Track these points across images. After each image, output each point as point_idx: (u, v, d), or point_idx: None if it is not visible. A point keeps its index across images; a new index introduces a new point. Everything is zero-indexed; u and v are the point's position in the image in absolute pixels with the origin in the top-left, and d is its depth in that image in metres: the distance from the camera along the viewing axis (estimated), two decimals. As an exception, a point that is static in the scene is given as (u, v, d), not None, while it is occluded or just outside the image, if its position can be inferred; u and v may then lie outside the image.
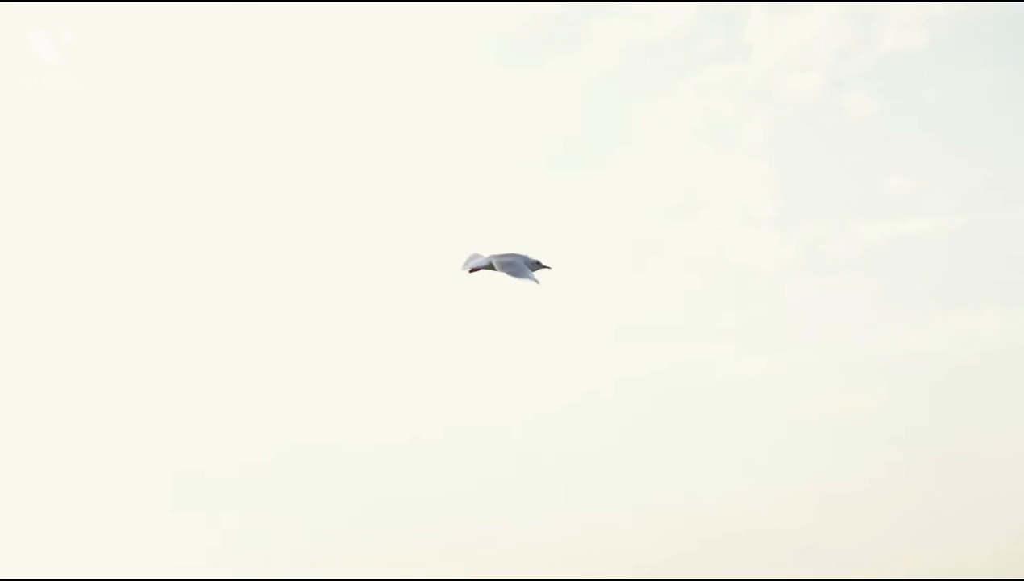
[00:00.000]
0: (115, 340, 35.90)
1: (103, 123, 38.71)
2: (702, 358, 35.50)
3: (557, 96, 39.71)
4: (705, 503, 32.45)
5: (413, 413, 34.35)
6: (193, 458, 33.52)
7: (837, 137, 38.61)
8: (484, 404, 34.55)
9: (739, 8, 38.62)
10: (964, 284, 35.68)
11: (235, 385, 34.92)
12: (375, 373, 35.25)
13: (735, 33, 38.74)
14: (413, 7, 39.05)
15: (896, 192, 37.54)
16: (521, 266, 16.80)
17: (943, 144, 38.02)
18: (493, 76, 39.89)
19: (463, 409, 34.44)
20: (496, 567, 30.55)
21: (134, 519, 32.50)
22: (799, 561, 30.38)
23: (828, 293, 36.26)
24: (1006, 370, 33.87)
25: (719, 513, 32.19)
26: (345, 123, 39.41)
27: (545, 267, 16.97)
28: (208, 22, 38.90)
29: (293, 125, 39.40)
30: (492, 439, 33.91)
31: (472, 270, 17.14)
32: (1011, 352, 34.30)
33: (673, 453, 33.57)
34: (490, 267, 16.92)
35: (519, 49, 39.73)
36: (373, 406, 34.55)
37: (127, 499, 32.87)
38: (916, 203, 37.15)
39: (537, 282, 16.54)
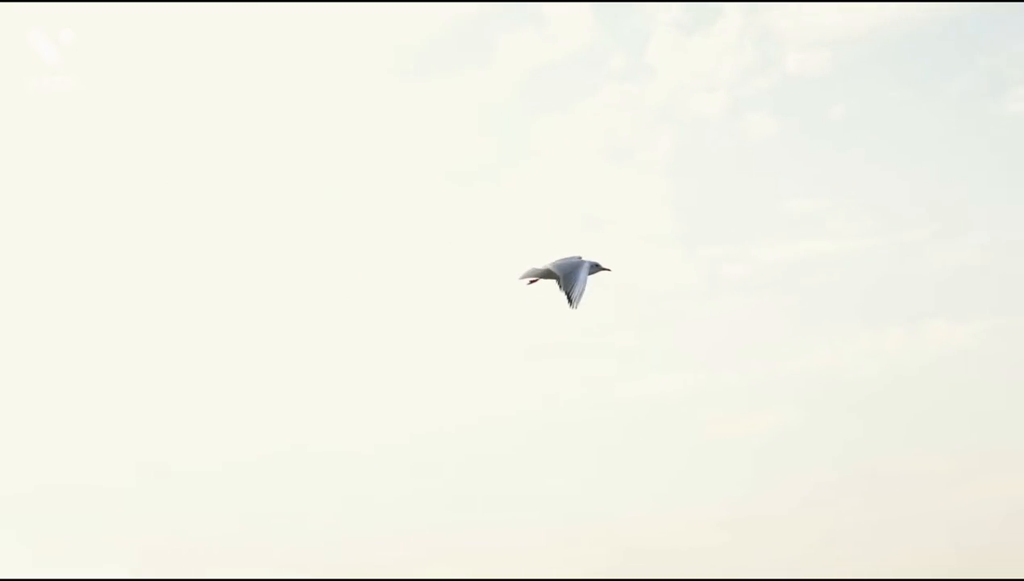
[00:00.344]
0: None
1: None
2: (603, 377, 35.39)
3: (461, 112, 39.54)
4: (611, 522, 32.26)
5: (328, 429, 34.09)
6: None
7: (739, 158, 38.83)
8: (387, 421, 34.31)
9: (643, 28, 38.76)
10: (867, 305, 36.01)
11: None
12: (300, 386, 35.08)
13: (638, 53, 38.83)
14: (317, 19, 38.85)
15: (797, 213, 37.84)
16: (573, 276, 16.39)
17: (845, 166, 38.41)
18: (398, 90, 39.61)
19: (365, 426, 34.16)
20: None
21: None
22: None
23: (729, 313, 36.35)
24: (911, 389, 34.22)
25: (627, 532, 31.97)
26: (263, 133, 39.23)
27: (605, 269, 16.77)
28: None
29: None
30: (390, 457, 33.70)
31: (531, 281, 16.93)
32: (916, 370, 34.66)
33: (578, 472, 33.41)
34: (547, 275, 16.77)
35: (424, 64, 39.54)
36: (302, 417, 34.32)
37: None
38: (817, 224, 37.45)
39: (573, 305, 16.22)
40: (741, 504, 32.48)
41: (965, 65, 38.23)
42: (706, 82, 38.48)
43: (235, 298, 36.68)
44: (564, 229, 38.05)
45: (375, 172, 39.07)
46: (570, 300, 16.28)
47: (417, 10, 38.51)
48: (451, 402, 34.57)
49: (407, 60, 39.37)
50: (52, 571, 29.89)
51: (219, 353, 35.55)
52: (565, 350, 35.79)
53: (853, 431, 33.50)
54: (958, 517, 31.40)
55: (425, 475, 33.21)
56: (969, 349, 34.80)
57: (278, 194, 38.82)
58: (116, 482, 32.76)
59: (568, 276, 16.40)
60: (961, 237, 36.62)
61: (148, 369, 35.22)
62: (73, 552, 30.82)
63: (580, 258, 16.72)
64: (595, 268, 16.70)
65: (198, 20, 38.49)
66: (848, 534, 31.37)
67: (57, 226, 37.66)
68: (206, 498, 32.54)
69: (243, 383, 34.89)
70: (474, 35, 39.31)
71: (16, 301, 35.91)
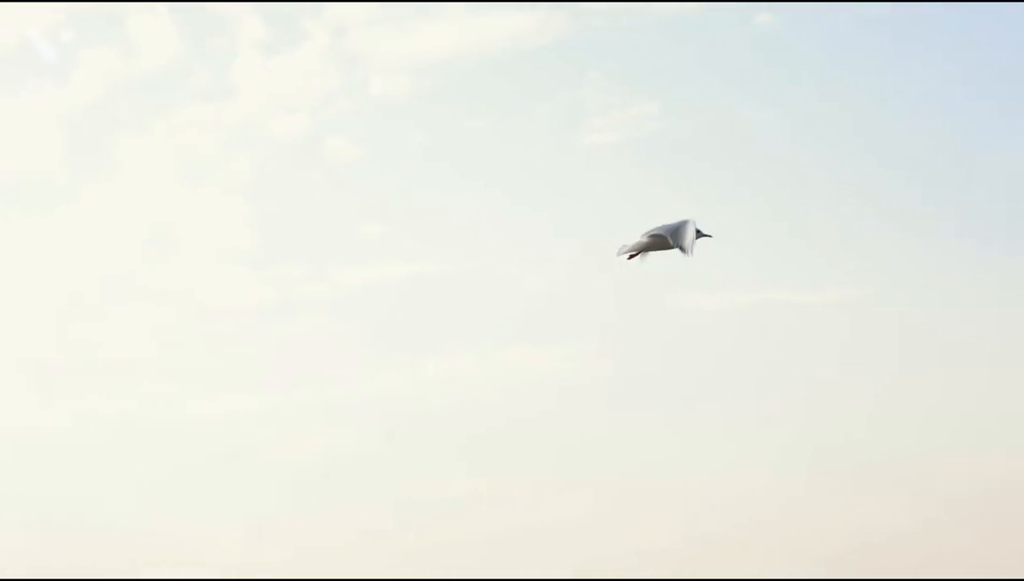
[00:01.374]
0: None
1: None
2: (174, 396, 34.63)
3: (34, 128, 38.29)
4: (169, 543, 31.42)
5: None
6: None
7: (320, 180, 38.71)
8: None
9: (227, 47, 38.34)
10: (438, 329, 36.16)
11: None
12: None
13: (222, 72, 38.39)
14: None
15: (376, 236, 37.88)
16: (681, 230, 16.42)
17: (425, 191, 38.69)
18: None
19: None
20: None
21: None
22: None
23: (304, 335, 36.05)
24: (486, 413, 34.47)
25: (184, 553, 31.12)
26: None
27: (706, 235, 16.61)
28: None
29: None
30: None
31: (630, 256, 16.74)
32: (484, 395, 35.01)
33: (143, 491, 32.60)
34: (646, 249, 16.27)
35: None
36: None
37: None
38: (396, 248, 37.55)
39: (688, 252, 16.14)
40: (307, 524, 32.11)
41: (545, 96, 39.26)
42: (289, 104, 38.43)
43: None
44: (140, 248, 37.33)
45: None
46: (683, 249, 16.18)
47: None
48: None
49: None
50: None
51: None
52: (137, 365, 35.25)
53: (424, 455, 33.52)
54: (536, 539, 31.68)
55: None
56: (546, 375, 35.35)
57: None
58: None
59: (676, 232, 16.33)
60: (540, 265, 37.33)
61: None
62: None
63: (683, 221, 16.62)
64: (697, 234, 16.52)
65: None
66: (407, 557, 31.27)
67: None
68: None
69: None
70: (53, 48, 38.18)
71: None
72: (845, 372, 34.90)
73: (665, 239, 16.56)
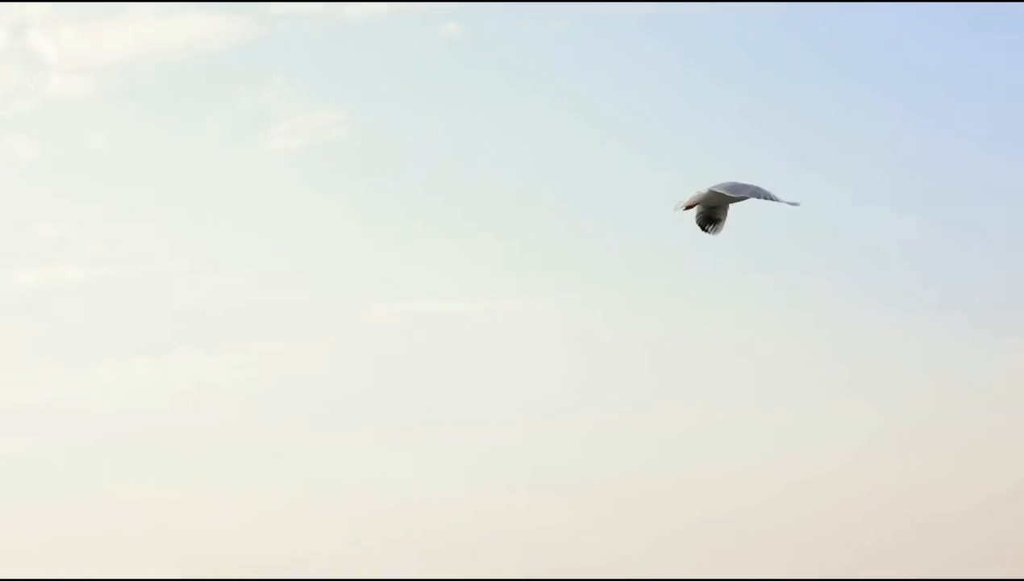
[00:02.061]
0: None
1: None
2: None
3: None
4: None
5: None
6: None
7: (-2, 180, 38.15)
8: None
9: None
10: (114, 334, 36.05)
11: None
12: None
13: None
14: None
15: (50, 239, 37.40)
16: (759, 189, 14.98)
17: (99, 194, 38.35)
18: None
19: None
20: None
21: None
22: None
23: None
24: (154, 419, 34.59)
25: None
26: None
27: (774, 199, 14.84)
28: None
29: None
30: None
31: (687, 207, 15.35)
32: (159, 400, 35.12)
33: None
34: (706, 201, 15.41)
35: None
36: None
37: None
38: (71, 251, 37.15)
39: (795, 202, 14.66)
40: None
41: (227, 100, 39.08)
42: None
43: None
44: None
45: None
46: (769, 196, 14.59)
47: None
48: None
49: None
50: None
51: None
52: None
53: (83, 462, 33.64)
54: (199, 542, 32.12)
55: None
56: (222, 381, 35.62)
57: None
58: None
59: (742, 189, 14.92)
60: (220, 270, 37.40)
61: None
62: None
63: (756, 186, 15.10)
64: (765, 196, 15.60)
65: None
66: (63, 558, 31.42)
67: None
68: None
69: None
70: None
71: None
72: (559, 386, 34.86)
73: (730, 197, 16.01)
